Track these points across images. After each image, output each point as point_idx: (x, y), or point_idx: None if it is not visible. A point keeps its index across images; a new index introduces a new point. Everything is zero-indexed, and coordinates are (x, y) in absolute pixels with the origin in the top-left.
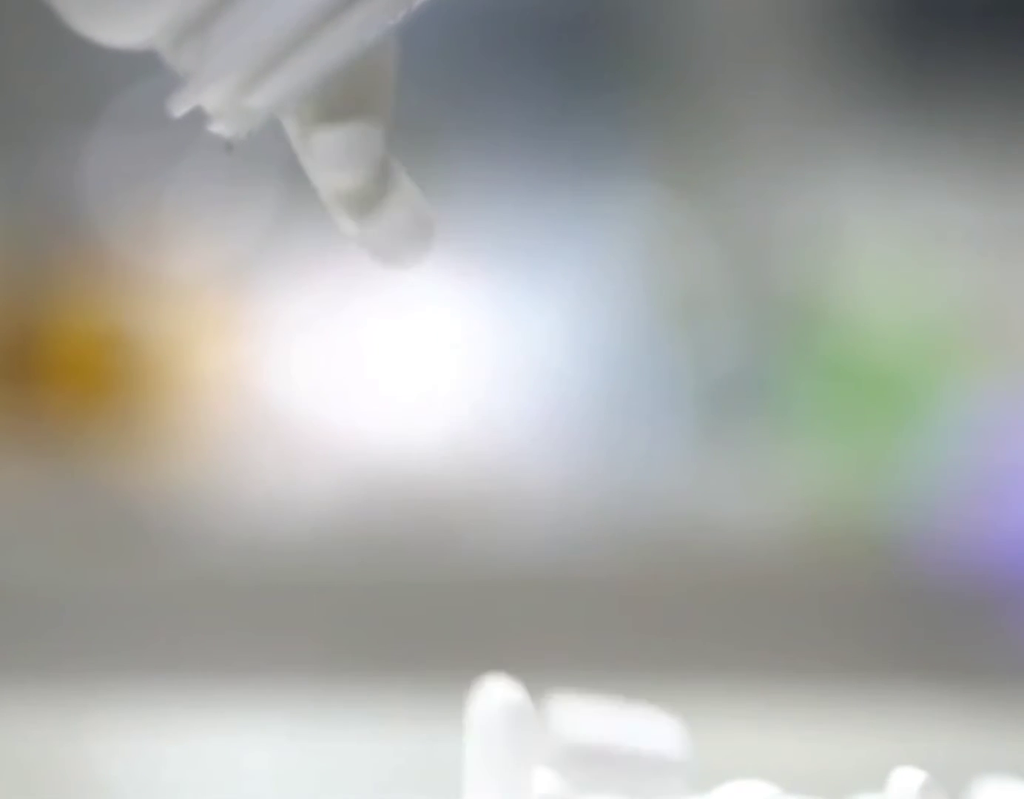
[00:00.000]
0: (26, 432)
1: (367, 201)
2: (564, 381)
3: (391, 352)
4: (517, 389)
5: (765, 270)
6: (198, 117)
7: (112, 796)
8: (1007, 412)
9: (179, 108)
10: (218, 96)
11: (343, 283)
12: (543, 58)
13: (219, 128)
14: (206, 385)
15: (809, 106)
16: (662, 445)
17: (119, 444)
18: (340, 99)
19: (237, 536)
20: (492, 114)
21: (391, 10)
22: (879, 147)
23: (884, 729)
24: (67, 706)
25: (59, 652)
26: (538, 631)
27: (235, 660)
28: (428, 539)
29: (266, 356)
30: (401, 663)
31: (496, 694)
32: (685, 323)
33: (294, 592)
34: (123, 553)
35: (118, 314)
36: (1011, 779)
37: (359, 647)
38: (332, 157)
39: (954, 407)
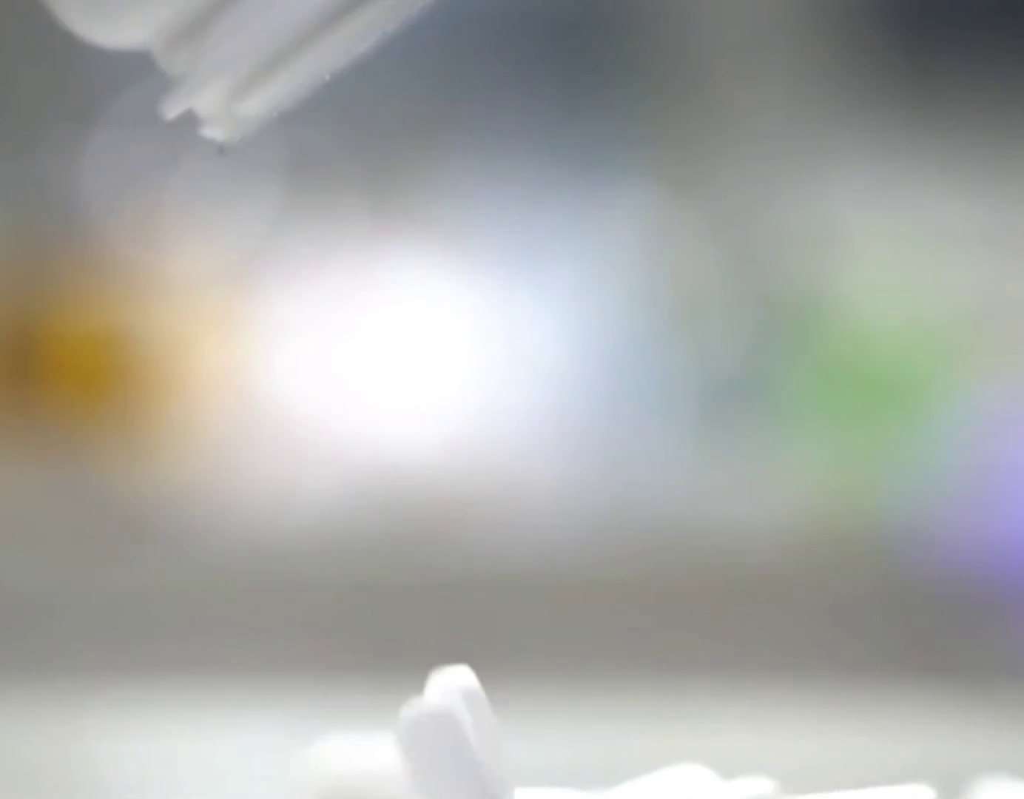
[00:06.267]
0: (26, 432)
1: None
2: (565, 381)
3: (392, 352)
4: (518, 389)
5: (765, 270)
6: (196, 119)
7: (112, 796)
8: (1007, 412)
9: (171, 111)
10: (210, 101)
11: (343, 283)
12: (544, 58)
13: (211, 132)
14: (206, 385)
15: (809, 106)
16: (663, 445)
17: (119, 444)
18: None
19: (237, 536)
20: (493, 114)
21: (386, 19)
22: (879, 147)
23: (884, 729)
24: (67, 706)
25: (59, 652)
26: (538, 631)
27: (235, 660)
28: (429, 539)
29: (266, 356)
30: (401, 663)
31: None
32: (685, 323)
33: (294, 592)
34: (123, 553)
35: (118, 314)
36: (1011, 779)
37: (359, 647)
38: None
39: (954, 407)
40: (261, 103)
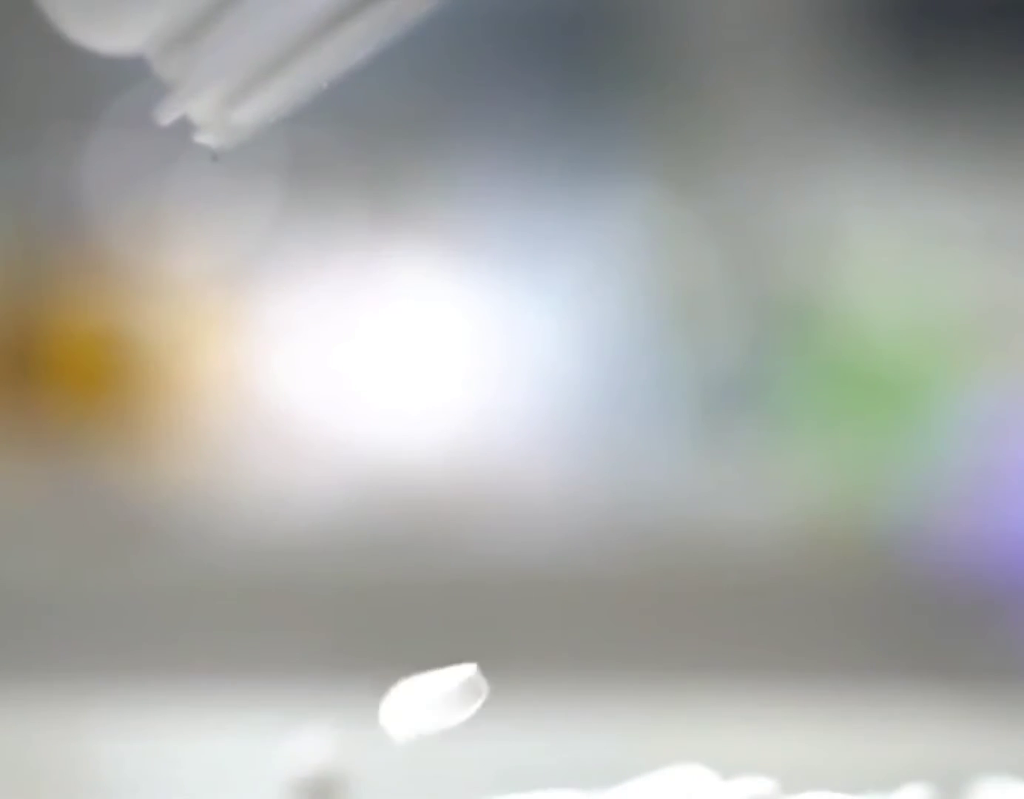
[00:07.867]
0: (26, 432)
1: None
2: (564, 381)
3: (391, 352)
4: (517, 389)
5: (765, 270)
6: (191, 123)
7: (112, 796)
8: (1007, 412)
9: (165, 117)
10: (204, 107)
11: (343, 283)
12: (544, 58)
13: (205, 139)
14: (206, 385)
15: (809, 106)
16: (662, 445)
17: (119, 444)
18: None
19: (237, 536)
20: (493, 114)
21: (381, 28)
22: (879, 147)
23: (884, 729)
24: (67, 706)
25: (59, 652)
26: (538, 631)
27: (235, 660)
28: (428, 539)
29: (266, 356)
30: (401, 663)
31: None
32: (685, 323)
33: (294, 592)
34: (123, 553)
35: (118, 314)
36: (1011, 779)
37: (359, 647)
38: None
39: (954, 407)
40: (255, 110)
